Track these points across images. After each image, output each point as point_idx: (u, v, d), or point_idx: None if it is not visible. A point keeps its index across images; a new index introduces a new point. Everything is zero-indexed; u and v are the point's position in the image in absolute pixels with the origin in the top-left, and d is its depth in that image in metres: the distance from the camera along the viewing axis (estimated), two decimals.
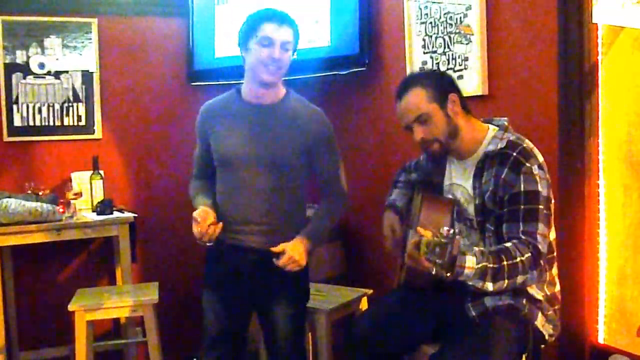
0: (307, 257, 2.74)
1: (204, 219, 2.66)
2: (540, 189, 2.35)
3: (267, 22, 2.70)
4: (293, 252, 2.67)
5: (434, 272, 2.06)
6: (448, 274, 2.06)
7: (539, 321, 2.43)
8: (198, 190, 2.93)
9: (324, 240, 2.90)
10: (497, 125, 2.54)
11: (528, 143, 2.43)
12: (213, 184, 2.94)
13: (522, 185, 2.34)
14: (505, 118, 2.58)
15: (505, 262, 2.21)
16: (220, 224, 2.69)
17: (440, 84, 2.52)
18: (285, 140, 2.76)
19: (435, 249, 2.00)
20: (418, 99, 2.48)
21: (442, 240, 1.99)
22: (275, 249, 2.66)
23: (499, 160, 2.41)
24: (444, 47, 3.54)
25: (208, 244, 2.70)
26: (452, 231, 2.00)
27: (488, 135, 2.51)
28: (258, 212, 2.78)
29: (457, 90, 2.54)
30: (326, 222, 2.89)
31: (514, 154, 2.38)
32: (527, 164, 2.35)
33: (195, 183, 2.99)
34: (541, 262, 2.32)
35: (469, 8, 3.34)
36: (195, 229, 2.65)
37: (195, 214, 2.69)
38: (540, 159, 2.41)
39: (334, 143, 2.90)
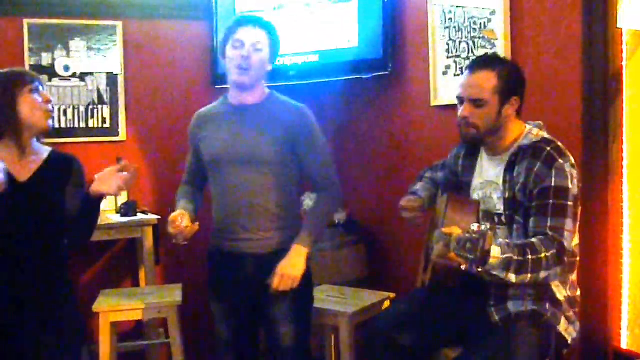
0: (305, 261, 2.75)
1: (176, 220, 2.69)
2: (570, 186, 2.36)
3: (239, 27, 2.77)
4: (282, 269, 2.70)
5: (463, 268, 2.08)
6: (480, 269, 2.06)
7: (562, 325, 2.44)
8: (182, 196, 2.99)
9: (321, 237, 2.91)
10: (533, 126, 2.57)
11: (560, 143, 2.45)
12: (199, 191, 3.03)
13: (553, 180, 2.34)
14: (540, 122, 2.59)
15: (529, 257, 2.22)
16: (196, 225, 2.72)
17: (514, 82, 2.51)
18: (264, 137, 2.76)
19: (466, 244, 2.01)
20: (485, 84, 2.47)
21: (474, 235, 2.00)
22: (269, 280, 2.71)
23: (532, 154, 2.42)
24: (468, 52, 3.54)
25: (183, 243, 2.72)
26: (482, 227, 2.01)
27: (524, 132, 2.53)
28: (247, 214, 2.79)
29: (522, 94, 2.54)
30: (320, 219, 2.88)
31: (548, 148, 2.40)
32: (560, 160, 2.37)
33: (182, 189, 3.05)
34: (565, 258, 2.32)
35: (493, 13, 3.34)
36: (170, 229, 2.70)
37: (171, 215, 2.73)
38: (572, 159, 2.42)
39: (318, 137, 2.87)
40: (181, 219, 2.70)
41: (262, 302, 2.82)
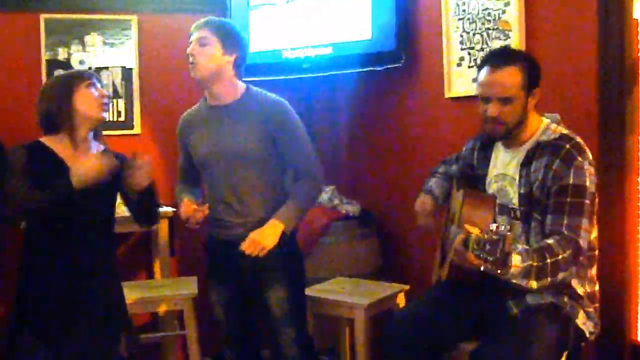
0: (278, 235, 2.81)
1: (187, 205, 2.89)
2: (588, 184, 2.34)
3: (191, 35, 3.00)
4: (255, 234, 2.78)
5: (482, 269, 2.03)
6: (499, 271, 2.02)
7: (580, 319, 2.43)
8: (181, 191, 3.12)
9: (298, 222, 2.93)
10: (550, 119, 2.55)
11: (579, 139, 2.43)
12: (197, 187, 3.16)
13: (571, 179, 2.33)
14: (557, 114, 2.58)
15: (548, 260, 2.20)
16: (206, 207, 2.85)
17: (535, 74, 2.49)
18: (244, 133, 2.86)
19: (485, 245, 1.98)
20: (513, 80, 2.45)
21: (493, 237, 1.97)
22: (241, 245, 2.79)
23: (551, 151, 2.40)
24: (482, 44, 3.53)
25: (196, 227, 2.88)
26: (502, 228, 1.98)
27: (541, 126, 2.51)
28: (237, 207, 2.91)
29: (539, 86, 2.52)
30: (297, 203, 2.91)
31: (567, 146, 2.38)
32: (580, 158, 2.36)
33: (179, 187, 3.19)
34: (580, 258, 2.32)
35: (507, 4, 3.33)
36: (182, 213, 2.90)
37: (180, 204, 2.96)
38: (590, 156, 2.41)
39: (298, 129, 2.94)
40: (190, 203, 2.90)
41: (257, 287, 2.93)
